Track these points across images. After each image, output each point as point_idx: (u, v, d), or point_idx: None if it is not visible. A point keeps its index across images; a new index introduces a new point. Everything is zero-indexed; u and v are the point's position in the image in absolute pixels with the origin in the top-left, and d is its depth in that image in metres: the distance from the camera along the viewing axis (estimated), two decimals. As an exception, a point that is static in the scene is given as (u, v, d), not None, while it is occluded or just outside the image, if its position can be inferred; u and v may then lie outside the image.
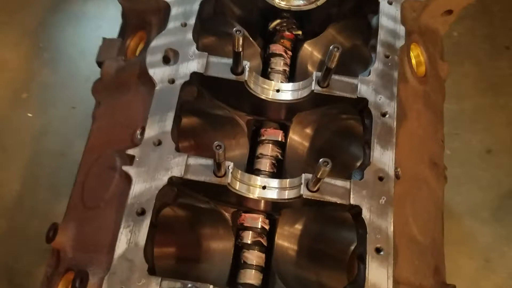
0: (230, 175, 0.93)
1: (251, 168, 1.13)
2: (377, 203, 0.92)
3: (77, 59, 2.29)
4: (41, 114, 2.18)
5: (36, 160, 2.06)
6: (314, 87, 1.01)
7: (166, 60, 1.00)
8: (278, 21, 1.23)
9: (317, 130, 1.16)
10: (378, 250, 0.89)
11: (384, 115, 0.99)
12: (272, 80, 1.15)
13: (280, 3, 1.15)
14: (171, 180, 0.92)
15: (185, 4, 1.06)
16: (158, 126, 0.95)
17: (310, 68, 1.24)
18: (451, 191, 2.09)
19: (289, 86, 1.07)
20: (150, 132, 0.95)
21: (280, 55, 1.21)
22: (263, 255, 1.05)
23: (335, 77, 1.02)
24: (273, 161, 1.13)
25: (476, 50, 2.44)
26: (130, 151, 0.94)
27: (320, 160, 0.82)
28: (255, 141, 1.16)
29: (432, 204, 1.09)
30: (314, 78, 1.02)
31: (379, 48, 1.03)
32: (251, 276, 1.01)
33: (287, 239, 1.08)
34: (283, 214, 1.07)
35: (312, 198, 0.93)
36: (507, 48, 2.46)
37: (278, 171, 1.13)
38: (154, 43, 1.02)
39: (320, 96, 1.02)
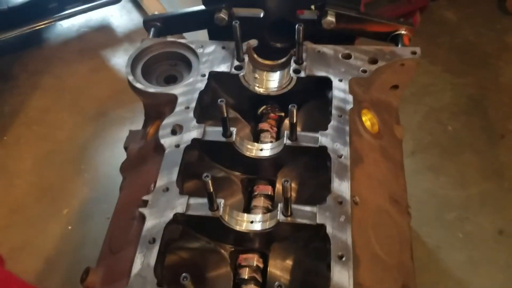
0: (221, 208, 1.19)
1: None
2: (338, 221, 1.15)
3: (113, 177, 2.68)
4: (79, 226, 2.50)
5: (76, 268, 2.31)
6: (286, 141, 1.32)
7: (173, 132, 1.35)
8: (264, 106, 1.60)
9: (300, 183, 1.42)
10: (340, 257, 1.09)
11: (340, 156, 1.27)
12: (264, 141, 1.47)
13: (260, 90, 1.53)
14: (176, 216, 1.19)
15: (188, 94, 1.44)
16: (167, 178, 1.26)
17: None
18: (470, 273, 2.23)
19: (268, 145, 1.37)
20: (160, 182, 1.26)
21: (267, 130, 1.54)
22: None
23: (302, 133, 1.33)
24: (264, 211, 1.38)
25: (474, 141, 2.72)
26: (145, 197, 1.23)
27: (282, 180, 1.09)
28: (249, 196, 1.43)
29: (396, 233, 1.29)
30: (285, 135, 1.33)
31: (333, 111, 1.36)
32: (248, 306, 1.20)
33: (278, 270, 1.27)
34: (273, 250, 1.28)
35: (287, 221, 1.17)
36: (502, 137, 2.73)
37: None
38: (165, 121, 1.38)
39: (292, 148, 1.32)
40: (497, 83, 3.02)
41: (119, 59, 3.32)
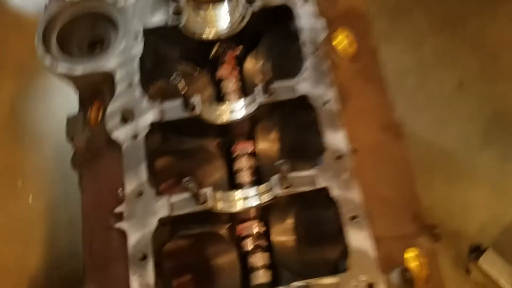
0: (210, 199, 1.03)
1: (233, 184, 1.23)
2: (341, 180, 1.03)
3: (57, 135, 2.33)
4: (41, 195, 2.23)
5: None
6: (261, 99, 1.12)
7: (124, 120, 1.11)
8: (216, 48, 1.35)
9: (281, 132, 1.27)
10: (352, 218, 1.00)
11: (326, 103, 1.10)
12: (229, 101, 1.27)
13: (209, 36, 1.26)
14: (161, 221, 1.03)
15: (126, 66, 1.17)
16: (135, 180, 1.06)
17: (256, 80, 1.34)
18: (439, 133, 2.21)
19: (240, 104, 1.17)
20: (129, 187, 1.06)
21: (228, 78, 1.32)
22: (267, 254, 1.14)
23: (276, 84, 1.13)
24: (252, 171, 1.23)
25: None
26: (118, 209, 1.04)
27: (277, 163, 0.93)
28: (230, 159, 1.26)
29: (393, 163, 1.20)
30: (257, 91, 1.13)
31: (305, 47, 1.14)
32: (260, 276, 1.11)
33: (282, 234, 1.17)
34: (272, 213, 1.16)
35: (287, 193, 1.04)
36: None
37: (259, 178, 1.23)
38: (109, 109, 1.13)
39: (268, 105, 1.13)
40: None
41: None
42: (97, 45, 1.28)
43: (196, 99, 1.12)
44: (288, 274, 1.11)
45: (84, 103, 1.31)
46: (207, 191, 1.04)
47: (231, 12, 1.27)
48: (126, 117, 1.11)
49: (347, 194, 1.01)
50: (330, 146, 1.06)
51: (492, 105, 2.17)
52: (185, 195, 1.04)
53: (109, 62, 1.18)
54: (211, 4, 1.26)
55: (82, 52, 1.26)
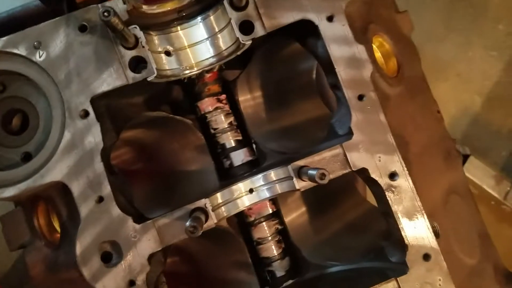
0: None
1: (258, 261, 0.94)
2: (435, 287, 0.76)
3: None
4: None
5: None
6: (298, 184, 0.77)
7: (107, 259, 0.73)
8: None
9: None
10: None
11: (392, 176, 0.77)
12: (224, 143, 0.93)
13: (190, 72, 0.81)
14: None
15: (83, 171, 0.73)
16: None
17: (260, 111, 0.97)
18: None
19: (260, 179, 0.81)
20: None
21: (215, 108, 0.92)
22: None
23: (315, 157, 0.76)
24: (278, 242, 0.94)
25: None
26: None
27: None
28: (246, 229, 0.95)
29: (465, 208, 0.94)
30: (291, 173, 0.77)
31: (347, 93, 0.76)
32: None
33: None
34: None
35: None
36: None
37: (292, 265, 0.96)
38: (79, 248, 0.73)
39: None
40: None
41: None
42: (14, 118, 0.81)
43: (207, 204, 0.74)
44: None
45: (23, 207, 0.87)
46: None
47: (210, 31, 0.81)
48: (109, 254, 0.73)
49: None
50: (411, 242, 0.76)
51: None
52: None
53: (54, 169, 0.73)
54: (178, 26, 0.80)
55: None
